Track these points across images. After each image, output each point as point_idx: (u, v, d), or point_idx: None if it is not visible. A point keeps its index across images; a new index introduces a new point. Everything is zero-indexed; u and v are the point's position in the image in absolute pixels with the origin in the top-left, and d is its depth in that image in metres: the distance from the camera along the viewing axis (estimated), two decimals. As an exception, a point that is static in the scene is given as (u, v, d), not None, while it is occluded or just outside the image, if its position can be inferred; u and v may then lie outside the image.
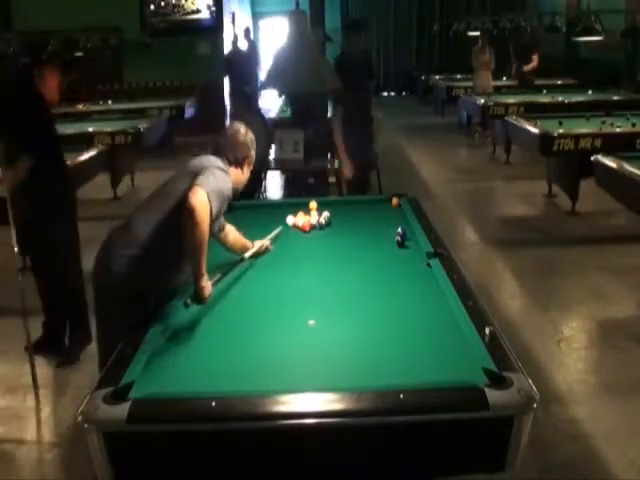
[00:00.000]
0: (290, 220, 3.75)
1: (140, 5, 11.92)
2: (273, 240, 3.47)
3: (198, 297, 2.59)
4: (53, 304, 4.24)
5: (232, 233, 3.14)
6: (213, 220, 2.65)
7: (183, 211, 2.54)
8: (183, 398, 2.01)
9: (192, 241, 2.55)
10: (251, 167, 3.08)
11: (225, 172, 2.81)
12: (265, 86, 6.23)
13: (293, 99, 6.05)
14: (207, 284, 2.61)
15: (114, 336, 2.56)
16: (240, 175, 2.99)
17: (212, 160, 2.85)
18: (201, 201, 2.52)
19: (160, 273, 2.74)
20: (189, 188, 2.60)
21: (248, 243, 3.23)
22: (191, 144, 10.46)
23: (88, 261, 3.99)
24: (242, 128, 3.03)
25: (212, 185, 2.63)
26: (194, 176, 2.69)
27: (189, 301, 2.57)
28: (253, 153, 3.05)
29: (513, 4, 15.28)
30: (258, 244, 3.28)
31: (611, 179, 5.25)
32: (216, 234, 2.95)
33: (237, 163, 2.95)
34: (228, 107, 10.33)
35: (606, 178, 5.34)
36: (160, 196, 2.86)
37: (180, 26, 12.00)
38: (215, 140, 3.05)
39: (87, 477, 2.77)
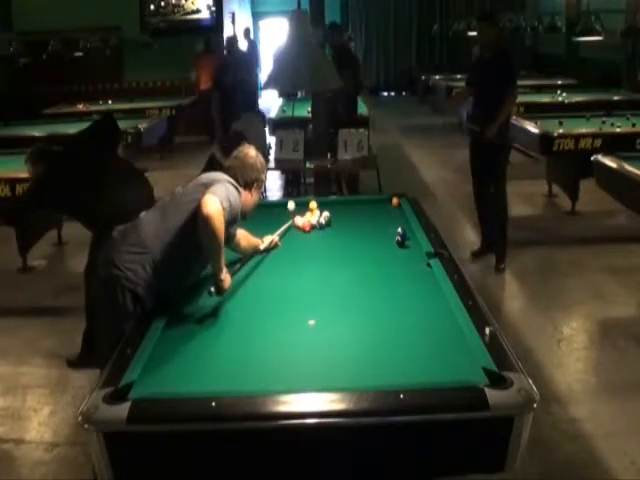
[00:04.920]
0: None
1: (140, 5, 11.91)
2: (282, 235, 3.53)
3: (218, 289, 2.68)
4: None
5: (243, 239, 3.19)
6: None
7: (198, 219, 2.60)
8: (183, 398, 2.01)
9: (210, 245, 2.62)
10: (261, 191, 3.12)
11: (236, 188, 2.85)
12: (266, 86, 6.23)
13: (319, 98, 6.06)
14: (226, 277, 2.70)
15: (113, 335, 2.57)
16: (249, 198, 3.01)
17: (224, 175, 2.90)
18: (215, 207, 2.57)
19: (160, 276, 2.74)
20: (202, 196, 2.64)
21: (258, 242, 3.30)
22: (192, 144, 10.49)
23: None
24: (252, 151, 3.06)
25: (224, 195, 2.68)
26: (205, 187, 2.74)
27: (212, 289, 2.67)
28: (263, 177, 3.07)
29: (513, 4, 15.27)
30: (268, 240, 3.36)
31: (611, 179, 5.25)
32: (225, 244, 2.97)
33: (246, 186, 2.98)
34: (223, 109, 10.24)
35: (606, 178, 5.34)
36: (171, 204, 2.88)
37: (180, 26, 11.98)
38: (227, 162, 3.08)
39: (87, 477, 2.78)
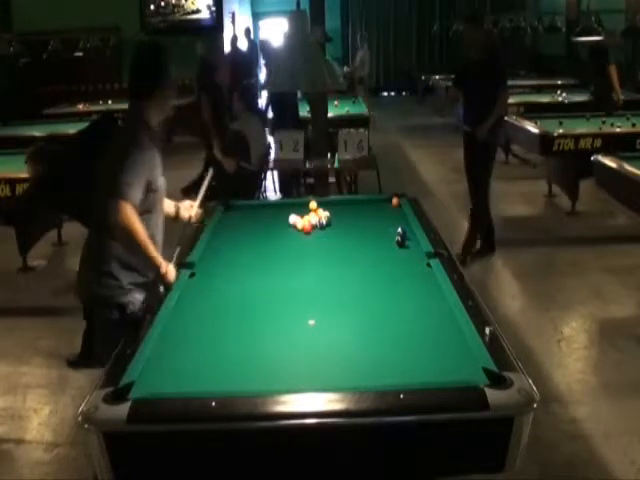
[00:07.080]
0: (297, 221, 3.74)
1: (140, 5, 11.94)
2: (205, 190, 3.27)
3: (165, 283, 2.68)
4: None
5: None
6: (146, 195, 2.64)
7: (111, 228, 2.55)
8: (183, 398, 2.01)
9: (134, 244, 2.59)
10: (170, 90, 2.94)
11: (135, 145, 2.69)
12: (264, 86, 6.25)
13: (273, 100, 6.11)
14: (168, 269, 2.69)
15: (111, 340, 2.56)
16: (155, 108, 2.83)
17: (120, 140, 2.77)
18: (122, 212, 2.52)
19: (130, 274, 2.74)
20: (109, 198, 2.55)
21: (171, 209, 3.13)
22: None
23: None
24: (147, 49, 3.02)
25: (129, 177, 2.58)
26: (114, 174, 2.61)
27: (161, 288, 2.68)
28: (166, 72, 2.93)
29: (513, 4, 15.28)
30: (191, 210, 3.18)
31: (611, 179, 5.25)
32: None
33: (150, 97, 2.82)
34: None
35: (606, 178, 5.34)
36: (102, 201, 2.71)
37: (180, 26, 12.00)
38: None
39: (87, 477, 2.77)
